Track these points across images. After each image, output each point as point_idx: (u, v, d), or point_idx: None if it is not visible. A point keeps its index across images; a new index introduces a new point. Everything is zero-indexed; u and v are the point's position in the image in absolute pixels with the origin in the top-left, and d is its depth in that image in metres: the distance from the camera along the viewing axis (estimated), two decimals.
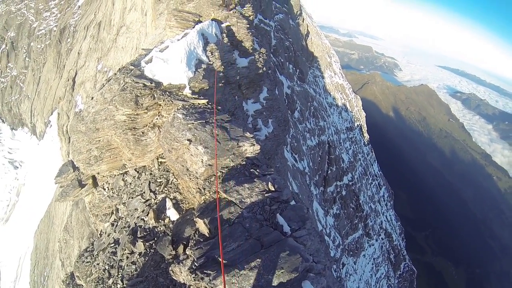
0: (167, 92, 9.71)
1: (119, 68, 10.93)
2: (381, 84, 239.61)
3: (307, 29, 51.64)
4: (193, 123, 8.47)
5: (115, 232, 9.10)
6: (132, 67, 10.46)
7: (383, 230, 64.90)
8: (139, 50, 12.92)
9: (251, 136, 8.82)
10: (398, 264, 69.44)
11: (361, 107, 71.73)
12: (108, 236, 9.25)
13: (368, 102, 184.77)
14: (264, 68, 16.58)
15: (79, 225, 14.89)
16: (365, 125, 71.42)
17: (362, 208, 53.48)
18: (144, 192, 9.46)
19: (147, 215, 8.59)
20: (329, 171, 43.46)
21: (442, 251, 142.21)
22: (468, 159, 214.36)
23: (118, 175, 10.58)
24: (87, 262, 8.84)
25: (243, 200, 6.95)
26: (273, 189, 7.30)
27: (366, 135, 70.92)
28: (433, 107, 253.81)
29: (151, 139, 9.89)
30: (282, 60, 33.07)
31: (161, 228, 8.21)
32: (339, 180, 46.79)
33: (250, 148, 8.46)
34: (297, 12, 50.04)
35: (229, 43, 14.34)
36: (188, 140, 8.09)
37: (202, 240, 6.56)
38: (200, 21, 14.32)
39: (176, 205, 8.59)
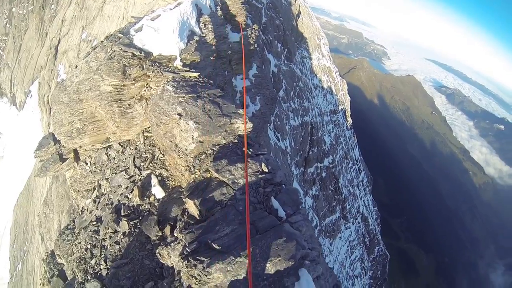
0: (156, 63, 9.31)
1: (107, 36, 10.50)
2: (368, 71, 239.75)
3: (299, 9, 51.07)
4: (184, 97, 8.09)
5: (97, 209, 8.71)
6: (121, 35, 9.97)
7: (360, 214, 66.00)
8: (128, 18, 12.56)
9: (243, 112, 8.54)
10: (373, 248, 71.10)
11: (347, 92, 71.83)
12: (90, 213, 8.89)
13: (353, 87, 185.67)
14: (256, 44, 16.21)
15: (59, 199, 14.35)
16: (349, 110, 71.81)
17: (341, 191, 54.32)
18: (128, 168, 9.08)
19: (131, 192, 8.24)
20: (311, 152, 43.83)
21: (414, 238, 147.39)
22: (447, 153, 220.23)
23: (101, 149, 10.17)
24: (68, 241, 8.57)
25: (235, 180, 6.61)
26: (266, 170, 7.02)
27: (350, 120, 71.48)
28: (418, 98, 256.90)
29: (138, 112, 9.50)
30: (271, 38, 32.85)
31: (146, 207, 7.85)
32: (320, 161, 47.28)
33: (243, 126, 8.17)
34: None
35: (222, 16, 13.95)
36: (179, 114, 7.73)
37: (192, 222, 6.20)
38: None
39: (162, 182, 8.25)
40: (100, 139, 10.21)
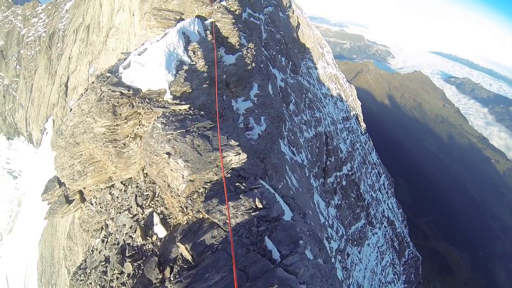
0: (146, 99, 9.11)
1: (97, 76, 10.43)
2: (375, 72, 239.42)
3: (298, 21, 51.34)
4: (172, 134, 7.84)
5: (105, 249, 8.69)
6: (109, 74, 9.80)
7: (385, 218, 65.06)
8: (119, 55, 12.37)
9: (236, 144, 8.16)
10: (403, 251, 69.71)
11: (356, 96, 71.54)
12: (99, 253, 8.82)
13: (362, 91, 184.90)
14: (254, 63, 15.61)
15: (82, 232, 14.57)
16: (361, 114, 71.34)
17: (363, 197, 53.55)
18: (131, 207, 8.99)
19: (135, 231, 8.10)
20: (328, 162, 43.41)
21: (445, 235, 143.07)
22: (466, 143, 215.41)
23: (104, 188, 10.12)
24: (80, 281, 8.49)
25: (227, 221, 6.21)
26: (261, 206, 6.57)
27: (363, 124, 70.87)
28: (428, 93, 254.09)
29: (134, 151, 9.34)
30: (274, 53, 32.86)
31: (149, 246, 7.71)
32: (339, 170, 46.75)
33: (235, 158, 7.81)
34: (286, 4, 49.65)
35: (213, 41, 13.35)
36: (167, 153, 7.48)
37: (185, 266, 5.99)
38: (182, 19, 13.62)
39: (164, 221, 8.07)
40: (102, 179, 10.09)
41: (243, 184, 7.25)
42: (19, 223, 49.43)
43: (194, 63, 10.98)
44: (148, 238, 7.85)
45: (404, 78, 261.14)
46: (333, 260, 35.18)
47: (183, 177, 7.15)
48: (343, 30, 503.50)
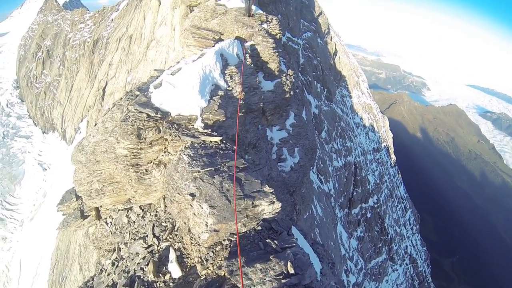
0: (175, 125, 8.40)
1: (127, 92, 9.99)
2: (409, 104, 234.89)
3: (335, 48, 51.22)
4: (199, 171, 7.03)
5: (114, 273, 8.14)
6: (138, 93, 9.33)
7: (407, 255, 62.55)
8: (151, 72, 12.00)
9: (271, 190, 7.13)
10: None
11: (388, 128, 70.29)
12: (107, 275, 8.33)
13: (395, 123, 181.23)
14: (292, 92, 14.82)
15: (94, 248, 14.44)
16: (392, 146, 69.80)
17: (387, 232, 51.77)
18: (147, 236, 8.30)
19: (147, 264, 7.35)
20: (355, 193, 42.40)
21: (469, 279, 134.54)
22: (499, 182, 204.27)
23: (122, 210, 9.59)
24: None
25: (252, 287, 5.36)
26: (292, 272, 5.63)
27: (393, 156, 69.15)
28: (462, 128, 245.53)
29: (156, 178, 8.56)
30: (310, 79, 32.64)
31: (161, 285, 6.94)
32: (365, 202, 45.55)
33: (268, 208, 6.80)
34: (325, 30, 49.75)
35: (252, 65, 12.76)
36: (191, 194, 6.69)
37: None
38: (221, 40, 13.26)
39: (180, 259, 7.19)
40: (121, 200, 9.58)
41: (275, 241, 6.29)
42: (41, 213, 50.79)
43: (230, 88, 10.26)
44: (160, 275, 7.08)
45: (438, 111, 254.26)
46: None
47: (206, 225, 6.39)
48: (379, 59, 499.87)
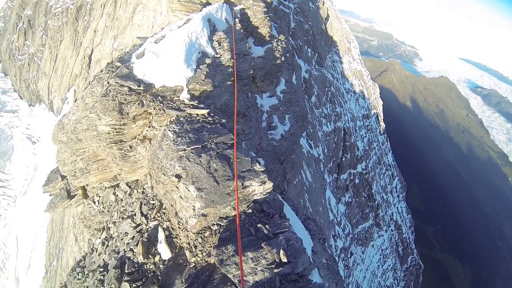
0: (159, 97, 7.86)
1: (107, 63, 9.33)
2: (400, 73, 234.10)
3: (327, 13, 50.34)
4: (185, 149, 6.53)
5: (105, 253, 7.98)
6: (119, 64, 8.65)
7: (393, 222, 64.48)
8: (134, 39, 11.18)
9: (262, 169, 6.65)
10: (406, 257, 69.35)
11: (379, 95, 70.45)
12: (98, 255, 8.17)
13: (385, 91, 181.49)
14: (283, 58, 14.22)
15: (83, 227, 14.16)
16: (382, 114, 70.26)
17: (374, 198, 53.05)
18: (135, 214, 7.99)
19: (136, 245, 7.18)
20: (344, 158, 43.00)
21: (450, 247, 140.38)
22: (484, 157, 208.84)
23: (109, 187, 9.20)
24: (78, 279, 7.95)
25: (244, 278, 5.10)
26: (285, 260, 5.39)
27: (382, 124, 69.82)
28: (452, 100, 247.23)
29: (141, 155, 8.16)
30: (300, 43, 32.23)
31: (151, 267, 6.80)
32: (353, 168, 46.34)
33: (259, 188, 6.36)
34: None
35: (242, 30, 12.04)
36: (177, 176, 6.21)
37: None
38: (208, 4, 12.40)
39: (169, 239, 6.96)
40: (107, 177, 9.15)
41: (267, 226, 5.93)
42: (34, 187, 50.59)
43: (218, 55, 9.59)
44: (150, 257, 6.94)
45: (429, 82, 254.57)
46: (336, 259, 34.97)
47: (194, 209, 5.94)
48: (372, 26, 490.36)
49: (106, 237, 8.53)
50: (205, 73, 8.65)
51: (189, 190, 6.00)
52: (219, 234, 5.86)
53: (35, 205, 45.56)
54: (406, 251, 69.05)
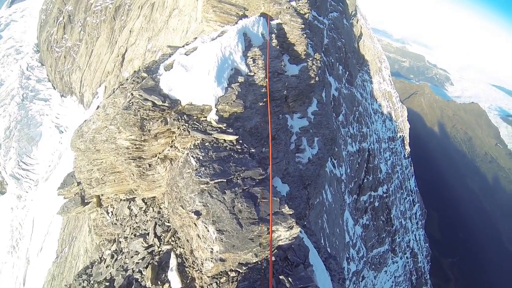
0: (184, 116, 7.31)
1: (133, 71, 8.93)
2: (430, 97, 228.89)
3: (361, 31, 49.95)
4: (208, 183, 5.98)
5: (113, 267, 7.62)
6: (145, 75, 8.13)
7: (409, 249, 62.52)
8: (164, 49, 10.54)
9: (290, 212, 6.09)
10: (419, 287, 66.77)
11: (406, 118, 69.12)
12: (106, 267, 7.81)
13: (413, 114, 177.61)
14: (317, 78, 13.42)
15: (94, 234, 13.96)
16: (408, 137, 68.79)
17: (392, 223, 51.68)
18: (148, 234, 7.59)
19: (146, 267, 6.73)
20: (365, 180, 42.28)
21: (466, 282, 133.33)
22: (511, 190, 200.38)
23: (124, 200, 8.86)
24: (82, 287, 7.60)
25: None
26: None
27: (408, 148, 68.25)
28: (481, 128, 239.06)
29: (160, 175, 7.65)
30: (332, 60, 31.95)
31: None
32: (374, 190, 45.44)
33: (285, 234, 5.85)
34: (351, 12, 48.30)
35: (278, 46, 11.41)
36: (196, 213, 5.70)
37: None
38: (245, 16, 12.11)
39: (181, 267, 6.46)
40: (123, 189, 8.82)
41: (289, 278, 5.44)
42: (56, 174, 51.88)
43: (252, 74, 9.02)
44: (159, 283, 6.46)
45: (459, 108, 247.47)
46: (347, 282, 34.06)
47: (212, 252, 5.43)
48: (405, 47, 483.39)
49: (116, 250, 8.22)
50: (236, 92, 8.11)
51: (208, 231, 5.51)
52: (236, 283, 5.36)
53: (55, 192, 46.78)
54: (420, 281, 66.52)
